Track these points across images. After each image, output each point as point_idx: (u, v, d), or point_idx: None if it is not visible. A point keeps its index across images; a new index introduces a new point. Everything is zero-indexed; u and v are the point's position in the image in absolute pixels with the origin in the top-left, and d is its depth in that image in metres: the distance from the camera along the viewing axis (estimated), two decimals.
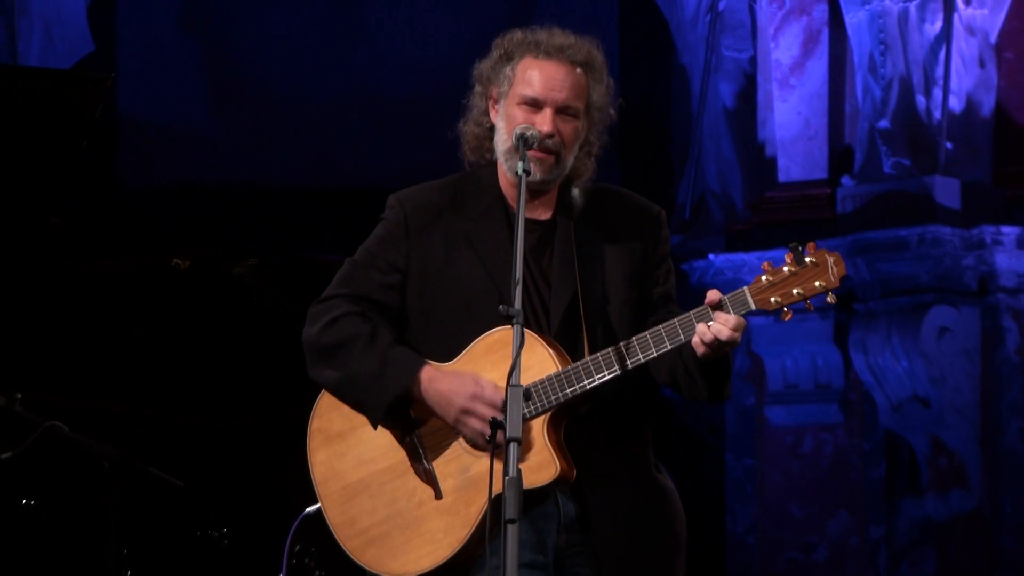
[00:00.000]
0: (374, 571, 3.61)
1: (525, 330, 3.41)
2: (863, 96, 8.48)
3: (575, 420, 3.57)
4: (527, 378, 3.47)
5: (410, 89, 9.61)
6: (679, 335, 3.49)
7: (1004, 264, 8.24)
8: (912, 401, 8.25)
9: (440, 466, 3.59)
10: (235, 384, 5.59)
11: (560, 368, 3.52)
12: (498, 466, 3.39)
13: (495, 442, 3.43)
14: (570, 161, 3.63)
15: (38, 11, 8.55)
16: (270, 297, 5.63)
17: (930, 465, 8.28)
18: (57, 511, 5.00)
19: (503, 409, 3.39)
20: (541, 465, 3.49)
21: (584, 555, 3.60)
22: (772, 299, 3.46)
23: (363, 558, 3.61)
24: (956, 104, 8.38)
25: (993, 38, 8.49)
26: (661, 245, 3.68)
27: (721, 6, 9.15)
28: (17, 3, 8.38)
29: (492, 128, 3.66)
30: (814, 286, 3.45)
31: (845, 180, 8.55)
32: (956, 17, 8.34)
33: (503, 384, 3.37)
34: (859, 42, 8.49)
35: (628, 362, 3.50)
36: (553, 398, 3.51)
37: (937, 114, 8.32)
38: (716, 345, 3.45)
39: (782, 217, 8.68)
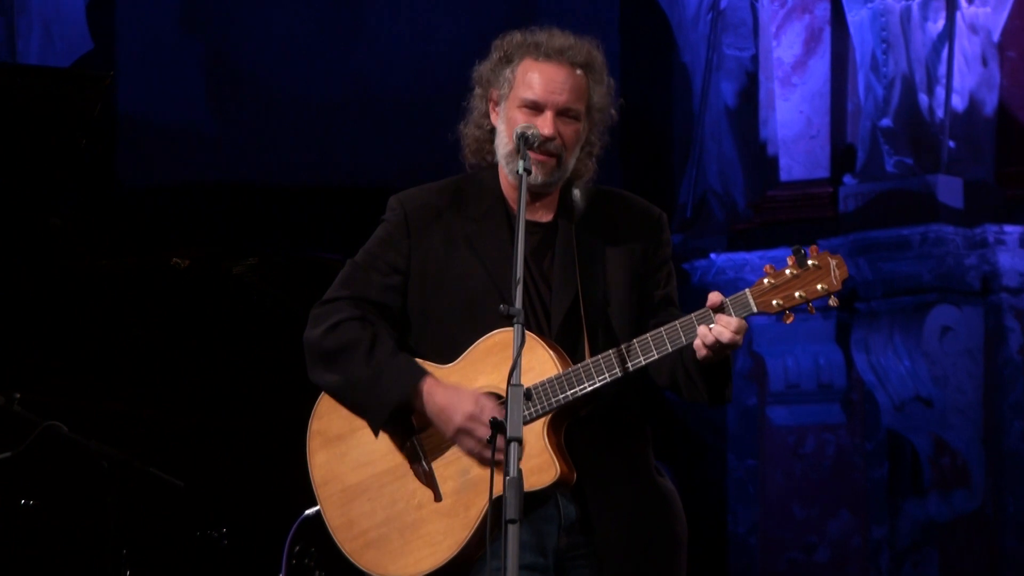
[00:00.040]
0: (373, 573, 3.60)
1: (526, 332, 3.41)
2: (865, 95, 8.47)
3: (576, 422, 3.56)
4: (527, 380, 3.46)
5: (410, 88, 9.61)
6: (680, 337, 3.49)
7: (1007, 263, 8.23)
8: (914, 401, 8.24)
9: (440, 468, 3.58)
10: (235, 384, 5.58)
11: (561, 370, 3.52)
12: (498, 468, 3.38)
13: (495, 443, 3.43)
14: (571, 163, 3.63)
15: (37, 9, 8.55)
16: (270, 296, 5.63)
17: (933, 465, 8.27)
18: (57, 511, 5.00)
19: (492, 442, 3.42)
20: (541, 468, 3.49)
21: (585, 557, 3.59)
22: (774, 302, 3.46)
23: (362, 560, 3.61)
24: (959, 103, 8.37)
25: (996, 36, 8.48)
26: (662, 248, 3.68)
27: (723, 4, 9.14)
28: (16, 1, 8.38)
29: (493, 130, 3.66)
30: (816, 289, 3.45)
31: (847, 179, 8.54)
32: (959, 15, 8.33)
33: (503, 386, 3.36)
34: (861, 40, 8.48)
35: (629, 364, 3.50)
36: (553, 400, 3.51)
37: (940, 113, 8.31)
38: (717, 347, 3.45)
39: (784, 216, 8.67)
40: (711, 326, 3.45)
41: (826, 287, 3.44)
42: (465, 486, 3.54)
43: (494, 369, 3.53)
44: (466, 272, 3.61)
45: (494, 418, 3.46)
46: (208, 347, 5.61)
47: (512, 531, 3.26)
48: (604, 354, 3.51)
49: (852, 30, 8.54)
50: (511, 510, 3.26)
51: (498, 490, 3.36)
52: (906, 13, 8.33)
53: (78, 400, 5.27)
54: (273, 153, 9.61)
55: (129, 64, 9.43)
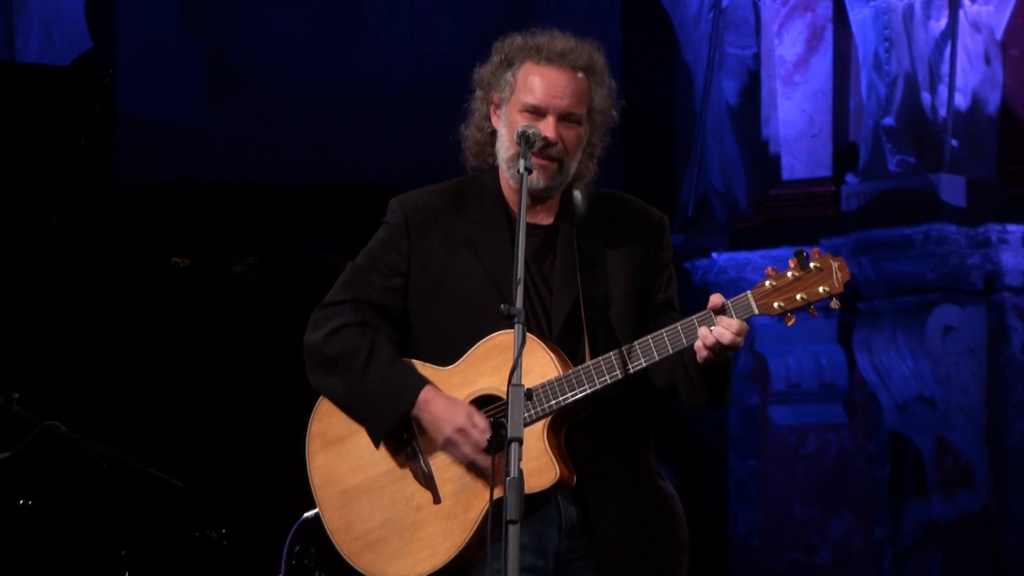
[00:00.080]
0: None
1: (527, 334, 3.40)
2: (868, 93, 8.46)
3: (576, 424, 3.56)
4: (528, 382, 3.45)
5: (409, 87, 9.61)
6: (681, 339, 3.49)
7: (1010, 262, 8.22)
8: (917, 401, 8.23)
9: (439, 470, 3.58)
10: (234, 384, 5.58)
11: (561, 372, 3.51)
12: (498, 470, 3.39)
13: (495, 444, 3.43)
14: (573, 167, 3.63)
15: (36, 8, 8.55)
16: (269, 295, 5.62)
17: (935, 465, 8.26)
18: (55, 511, 4.99)
19: (487, 450, 3.46)
20: (540, 470, 3.48)
21: (586, 559, 3.59)
22: (775, 304, 3.46)
23: (360, 562, 3.60)
24: (961, 101, 8.36)
25: (999, 35, 8.47)
26: (663, 252, 3.68)
27: (724, 3, 9.13)
28: (15, 0, 8.37)
29: (493, 133, 3.65)
30: (818, 291, 3.46)
31: (849, 178, 8.53)
32: (961, 14, 8.32)
33: (503, 389, 3.36)
34: (864, 39, 8.47)
35: (630, 366, 3.50)
36: (554, 402, 3.51)
37: (942, 111, 8.30)
38: (718, 349, 3.44)
39: (786, 215, 8.67)
40: (712, 327, 3.44)
41: (828, 289, 3.44)
42: (464, 488, 3.54)
43: (494, 371, 3.53)
44: (466, 274, 3.61)
45: (495, 419, 3.47)
46: (207, 347, 5.60)
47: (512, 532, 3.25)
48: (605, 356, 3.51)
49: (854, 28, 8.53)
50: (512, 510, 3.26)
51: (498, 492, 3.35)
52: (909, 11, 8.32)
53: (77, 400, 5.26)
54: (273, 152, 9.62)
55: (129, 63, 9.43)
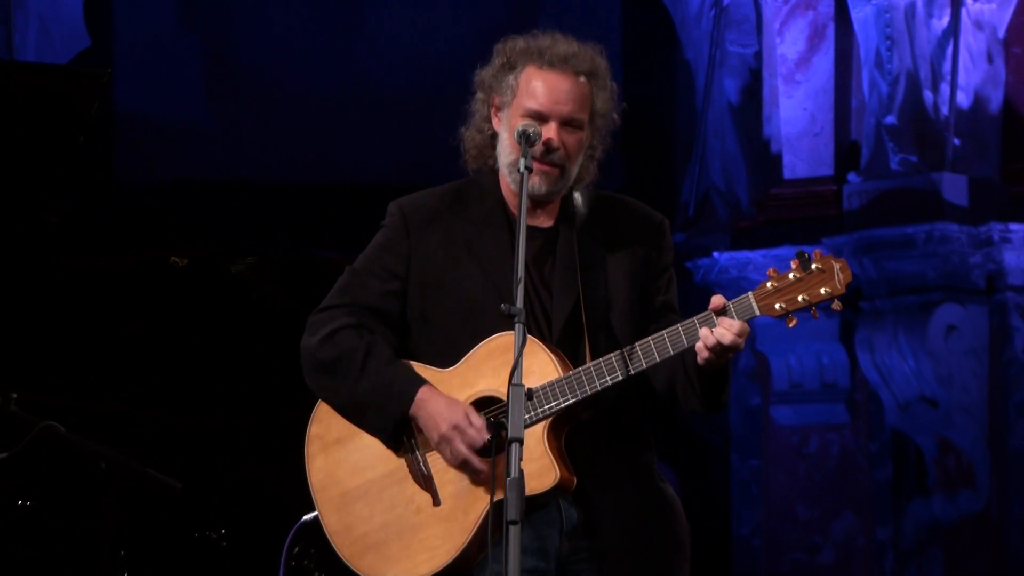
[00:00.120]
0: None
1: (527, 335, 3.39)
2: (869, 92, 8.45)
3: (577, 426, 3.55)
4: (528, 383, 3.44)
5: (410, 86, 9.61)
6: (682, 340, 3.48)
7: (1012, 262, 8.21)
8: (919, 401, 8.22)
9: (439, 473, 3.57)
10: (234, 384, 5.57)
11: (562, 374, 3.50)
12: (498, 471, 3.38)
13: (496, 445, 3.42)
14: (575, 172, 3.63)
15: (34, 6, 8.55)
16: (269, 295, 5.61)
17: (937, 466, 8.25)
18: (53, 512, 4.98)
19: (481, 452, 3.45)
20: (541, 472, 3.47)
21: (588, 560, 3.58)
22: (777, 305, 3.46)
23: (360, 565, 3.60)
24: (964, 100, 8.35)
25: (1001, 33, 8.45)
26: (664, 254, 3.67)
27: (726, 1, 9.11)
28: None
29: (494, 135, 3.65)
30: (819, 293, 3.46)
31: (851, 177, 8.52)
32: (964, 12, 8.31)
33: (504, 390, 3.35)
34: (865, 37, 8.46)
35: (631, 368, 3.49)
36: (554, 403, 3.50)
37: (944, 110, 8.29)
38: (719, 350, 3.44)
39: (787, 214, 8.66)
40: (713, 328, 3.44)
41: (829, 291, 3.44)
42: (464, 490, 3.53)
43: (494, 373, 3.52)
44: (466, 276, 3.60)
45: (494, 419, 3.46)
46: (207, 347, 5.60)
47: (513, 532, 3.24)
48: (605, 358, 3.50)
49: (856, 26, 8.52)
50: (512, 511, 3.25)
51: (498, 494, 3.35)
52: (911, 9, 8.31)
53: (76, 400, 5.25)
54: (272, 152, 9.62)
55: (127, 61, 9.43)
